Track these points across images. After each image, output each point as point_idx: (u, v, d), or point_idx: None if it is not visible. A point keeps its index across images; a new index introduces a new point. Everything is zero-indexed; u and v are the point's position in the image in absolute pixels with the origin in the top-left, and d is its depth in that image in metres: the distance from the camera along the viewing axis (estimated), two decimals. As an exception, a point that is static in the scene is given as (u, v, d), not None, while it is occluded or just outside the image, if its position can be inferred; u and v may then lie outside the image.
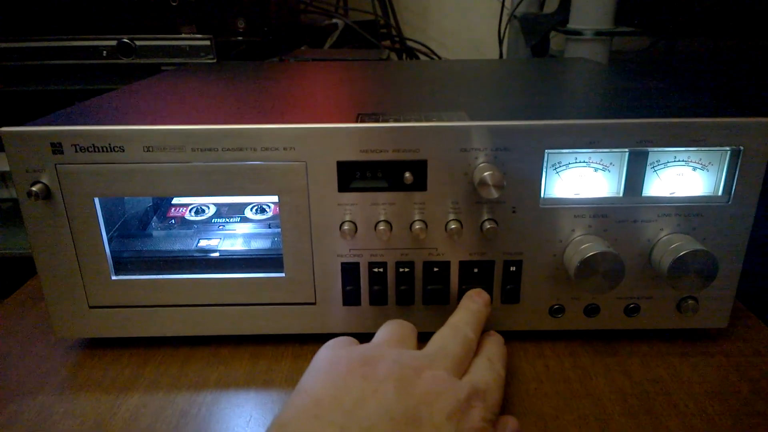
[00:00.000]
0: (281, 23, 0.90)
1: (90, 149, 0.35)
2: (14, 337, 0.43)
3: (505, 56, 1.14)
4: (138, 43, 0.83)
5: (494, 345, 0.35)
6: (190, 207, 0.46)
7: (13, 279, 0.93)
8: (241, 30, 0.84)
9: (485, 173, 0.34)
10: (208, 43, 0.82)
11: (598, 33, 0.76)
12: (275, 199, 0.46)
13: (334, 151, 0.35)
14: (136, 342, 0.41)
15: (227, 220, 0.45)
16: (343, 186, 0.36)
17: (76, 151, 0.35)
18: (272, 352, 0.40)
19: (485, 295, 0.37)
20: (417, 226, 0.37)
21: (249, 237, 0.43)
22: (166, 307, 0.39)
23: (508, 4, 1.11)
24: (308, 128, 0.35)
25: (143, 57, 0.82)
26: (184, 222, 0.45)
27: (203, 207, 0.46)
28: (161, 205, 0.47)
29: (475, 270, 0.38)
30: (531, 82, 0.53)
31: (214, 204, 0.47)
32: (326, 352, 0.32)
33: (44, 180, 0.35)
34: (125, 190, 0.36)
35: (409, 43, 1.24)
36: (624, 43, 0.87)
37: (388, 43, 1.23)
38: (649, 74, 0.56)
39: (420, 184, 0.36)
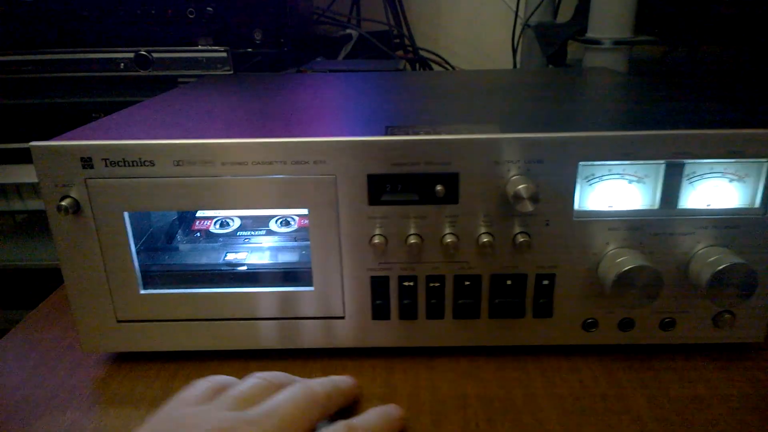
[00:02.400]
0: (297, 34, 0.90)
1: (120, 163, 0.35)
2: (40, 350, 0.42)
3: (518, 66, 1.14)
4: (155, 55, 0.83)
5: (376, 416, 0.32)
6: (214, 220, 0.46)
7: (32, 291, 0.93)
8: (257, 42, 0.84)
9: (520, 186, 0.34)
10: (224, 54, 0.82)
11: (618, 42, 0.75)
12: (301, 211, 0.46)
13: (365, 164, 0.35)
14: (164, 356, 0.41)
15: (252, 233, 0.45)
16: (374, 199, 0.36)
17: (107, 166, 0.35)
18: (301, 367, 0.39)
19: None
20: (448, 239, 0.36)
21: (276, 250, 0.43)
22: (195, 321, 0.39)
23: (521, 13, 1.11)
24: (339, 141, 0.35)
25: (160, 69, 0.83)
26: (209, 235, 0.45)
27: (227, 220, 0.46)
28: (185, 219, 0.47)
29: (508, 283, 0.38)
30: (556, 92, 0.52)
31: (239, 217, 0.47)
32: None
33: (73, 194, 0.35)
34: (155, 205, 0.36)
35: (422, 53, 1.24)
36: (641, 51, 0.87)
37: (401, 53, 1.23)
38: (671, 83, 0.56)
39: (452, 197, 0.36)
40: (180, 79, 0.84)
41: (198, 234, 0.45)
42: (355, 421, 0.31)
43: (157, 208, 0.36)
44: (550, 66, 0.94)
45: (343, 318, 0.39)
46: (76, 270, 0.37)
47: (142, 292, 0.38)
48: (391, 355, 0.40)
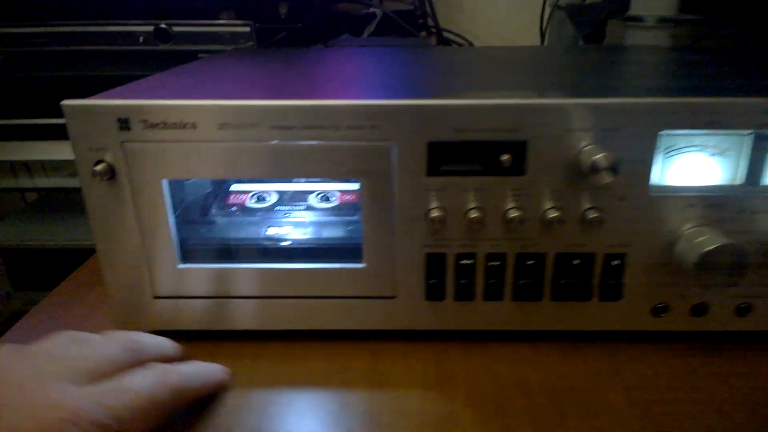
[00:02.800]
0: (322, 10, 0.87)
1: (160, 126, 0.32)
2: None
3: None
4: (175, 29, 0.80)
5: (195, 367, 0.32)
6: (250, 194, 0.43)
7: (46, 271, 0.91)
8: (282, 16, 0.81)
9: (597, 155, 0.31)
10: (248, 29, 0.79)
11: (663, 20, 0.72)
12: (342, 186, 0.43)
13: (425, 131, 0.32)
14: (198, 335, 0.38)
15: (292, 207, 0.42)
16: (433, 169, 0.33)
17: (145, 128, 0.32)
18: (347, 350, 0.37)
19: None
20: (512, 214, 0.33)
21: (320, 225, 0.40)
22: (235, 299, 0.36)
23: (549, -7, 1.07)
24: (398, 105, 0.32)
25: (180, 44, 0.80)
26: (245, 210, 0.42)
27: (264, 194, 0.43)
28: (220, 193, 0.44)
29: (574, 263, 0.35)
30: (612, 65, 0.49)
31: (275, 191, 0.44)
32: None
33: (108, 159, 0.33)
34: (196, 171, 0.33)
35: (446, 35, 1.20)
36: (683, 31, 0.83)
37: (424, 34, 1.19)
38: (733, 60, 0.52)
39: (518, 167, 0.33)
40: (200, 55, 0.81)
41: (234, 208, 0.42)
42: (173, 365, 0.30)
43: (197, 175, 0.33)
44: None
45: (394, 298, 0.36)
46: (110, 242, 0.35)
47: (180, 266, 0.35)
48: (442, 339, 0.38)
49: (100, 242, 0.35)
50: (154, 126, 0.32)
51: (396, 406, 0.32)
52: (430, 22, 1.20)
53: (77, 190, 1.00)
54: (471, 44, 1.19)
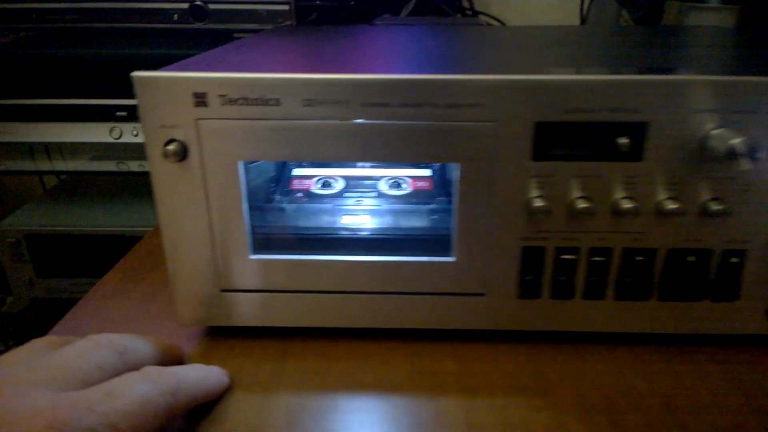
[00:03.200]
0: (361, -12, 0.83)
1: (240, 101, 0.29)
2: (120, 321, 0.37)
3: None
4: (211, 6, 0.77)
5: (196, 369, 0.29)
6: (315, 179, 0.40)
7: (68, 258, 0.88)
8: (321, -7, 0.77)
9: (736, 140, 0.27)
10: (287, 7, 0.76)
11: (726, 1, 0.68)
12: (414, 172, 0.40)
13: (534, 110, 0.29)
14: (264, 332, 0.35)
15: (362, 194, 0.39)
16: (540, 153, 0.30)
17: (223, 104, 0.29)
18: (431, 351, 0.34)
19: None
20: (625, 204, 0.30)
21: (397, 214, 0.37)
22: (308, 293, 0.33)
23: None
24: (504, 80, 0.28)
25: (216, 22, 0.76)
26: (311, 196, 0.39)
27: (330, 180, 0.40)
28: (281, 177, 0.41)
29: (689, 259, 0.31)
30: (696, 46, 0.45)
31: (341, 177, 0.41)
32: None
33: (180, 137, 0.30)
34: (276, 152, 0.30)
35: (481, 17, 1.16)
36: (746, 13, 0.79)
37: (459, 16, 1.15)
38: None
39: (635, 152, 0.30)
40: (236, 35, 0.78)
41: (299, 194, 0.39)
42: (169, 369, 0.27)
43: (277, 156, 0.30)
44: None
45: (482, 295, 0.33)
46: (176, 229, 0.32)
47: (252, 257, 0.32)
48: (532, 340, 0.34)
49: (166, 230, 0.32)
50: (232, 102, 0.29)
51: (498, 417, 0.29)
52: (465, 4, 1.16)
53: (99, 174, 0.98)
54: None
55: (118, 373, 0.26)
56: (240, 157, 0.30)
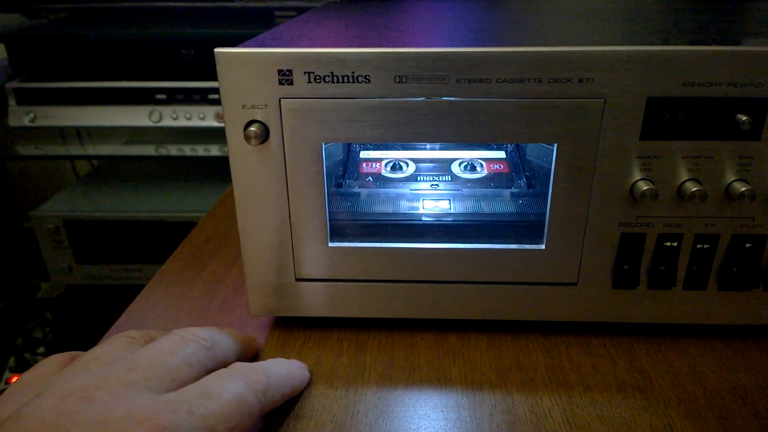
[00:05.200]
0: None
1: (327, 78, 0.27)
2: (188, 311, 0.36)
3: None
4: (250, -16, 0.74)
5: (277, 364, 0.28)
6: (384, 162, 0.38)
7: (106, 244, 0.88)
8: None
9: None
10: (327, -16, 0.73)
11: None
12: (488, 154, 0.38)
13: (646, 84, 0.26)
14: (338, 323, 0.34)
15: (436, 178, 0.37)
16: (649, 132, 0.27)
17: (309, 81, 0.27)
18: (515, 343, 0.32)
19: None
20: (739, 187, 0.28)
21: (478, 199, 0.35)
22: (387, 283, 0.32)
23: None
24: (615, 52, 0.26)
25: (258, 0, 0.74)
26: (383, 180, 0.37)
27: (400, 163, 0.38)
28: (348, 160, 0.39)
29: (805, 247, 0.29)
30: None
31: (411, 159, 0.39)
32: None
33: (261, 118, 0.28)
34: (364, 134, 0.28)
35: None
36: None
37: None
38: None
39: (754, 131, 0.27)
40: (277, 12, 0.75)
41: (369, 178, 0.37)
42: (256, 364, 0.26)
43: (365, 137, 0.28)
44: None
45: (574, 285, 0.31)
46: (253, 214, 0.30)
47: (330, 245, 0.31)
48: (625, 333, 0.32)
49: (243, 217, 0.30)
50: (320, 79, 0.27)
51: (600, 414, 0.27)
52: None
53: (132, 159, 0.97)
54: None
55: (206, 368, 0.25)
56: (324, 139, 0.28)
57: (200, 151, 0.79)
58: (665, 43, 0.27)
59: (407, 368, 0.31)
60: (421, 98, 0.27)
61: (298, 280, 0.32)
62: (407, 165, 0.38)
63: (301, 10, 0.73)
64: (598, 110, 0.27)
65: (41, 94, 0.79)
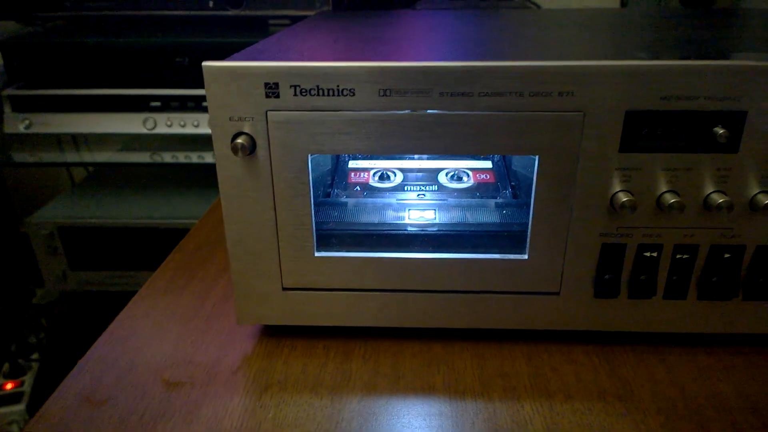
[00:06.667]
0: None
1: (313, 92, 0.27)
2: (176, 321, 0.36)
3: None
4: (246, -7, 0.75)
5: None
6: (372, 172, 0.39)
7: (100, 251, 0.88)
8: (357, -21, 0.75)
9: None
10: (322, -7, 0.74)
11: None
12: (475, 164, 0.39)
13: (625, 98, 0.27)
14: (325, 332, 0.34)
15: (423, 188, 0.37)
16: (628, 145, 0.28)
17: (295, 94, 0.27)
18: (498, 352, 0.33)
19: None
20: (717, 199, 0.28)
21: (463, 209, 0.35)
22: (373, 292, 0.32)
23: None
24: (595, 67, 0.27)
25: (252, 9, 0.75)
26: (370, 189, 0.38)
27: (388, 173, 0.39)
28: (336, 170, 0.40)
29: (781, 258, 0.30)
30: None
31: (399, 169, 0.39)
32: None
33: (248, 130, 0.28)
34: (349, 146, 0.29)
35: (516, 2, 1.13)
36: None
37: None
38: None
39: (731, 143, 0.28)
40: (271, 21, 0.76)
41: (357, 188, 0.38)
42: None
43: (350, 149, 0.29)
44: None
45: (557, 294, 0.32)
46: (240, 224, 0.31)
47: (317, 254, 0.31)
48: (605, 342, 0.33)
49: (231, 227, 0.31)
50: (306, 92, 0.27)
51: (580, 422, 0.28)
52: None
53: (127, 166, 0.97)
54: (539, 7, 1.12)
55: None
56: (310, 151, 0.29)
57: (194, 158, 0.80)
58: (644, 57, 0.28)
59: (392, 377, 0.31)
60: (406, 111, 0.28)
61: (284, 289, 0.32)
62: (395, 175, 0.39)
63: (295, 19, 0.74)
64: (578, 123, 0.28)
65: (37, 101, 0.80)
